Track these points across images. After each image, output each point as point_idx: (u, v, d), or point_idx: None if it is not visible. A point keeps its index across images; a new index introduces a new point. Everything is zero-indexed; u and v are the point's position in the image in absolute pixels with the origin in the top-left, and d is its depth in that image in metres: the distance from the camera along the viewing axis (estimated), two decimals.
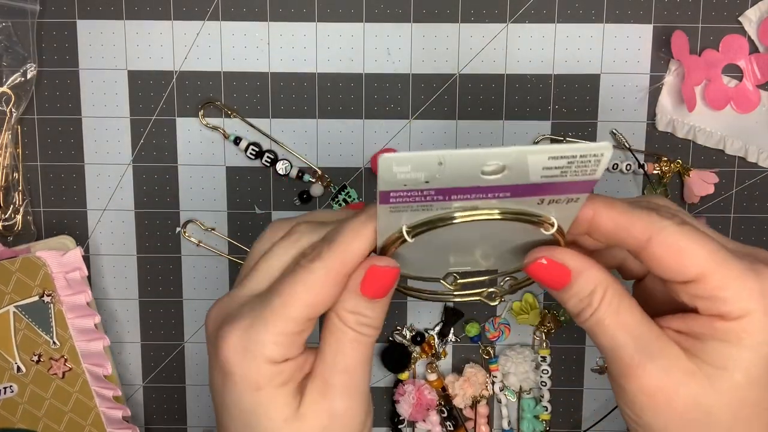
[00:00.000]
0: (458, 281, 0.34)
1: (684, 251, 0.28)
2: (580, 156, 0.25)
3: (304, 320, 0.29)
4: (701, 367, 0.29)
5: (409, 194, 0.26)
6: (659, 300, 0.32)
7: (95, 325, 0.50)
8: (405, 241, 0.28)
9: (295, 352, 0.30)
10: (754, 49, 0.49)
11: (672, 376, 0.29)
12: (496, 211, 0.27)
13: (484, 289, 0.33)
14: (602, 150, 0.25)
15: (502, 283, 0.34)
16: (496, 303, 0.33)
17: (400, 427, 0.53)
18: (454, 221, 0.27)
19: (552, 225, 0.28)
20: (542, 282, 0.30)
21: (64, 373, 0.50)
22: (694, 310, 0.29)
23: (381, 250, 0.30)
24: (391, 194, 0.26)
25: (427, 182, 0.25)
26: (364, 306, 0.30)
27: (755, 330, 0.28)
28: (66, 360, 0.50)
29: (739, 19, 0.49)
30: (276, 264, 0.31)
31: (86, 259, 0.52)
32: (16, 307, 0.49)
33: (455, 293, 0.34)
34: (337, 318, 0.30)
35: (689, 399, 0.28)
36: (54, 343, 0.49)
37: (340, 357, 0.30)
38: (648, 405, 0.29)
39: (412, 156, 0.24)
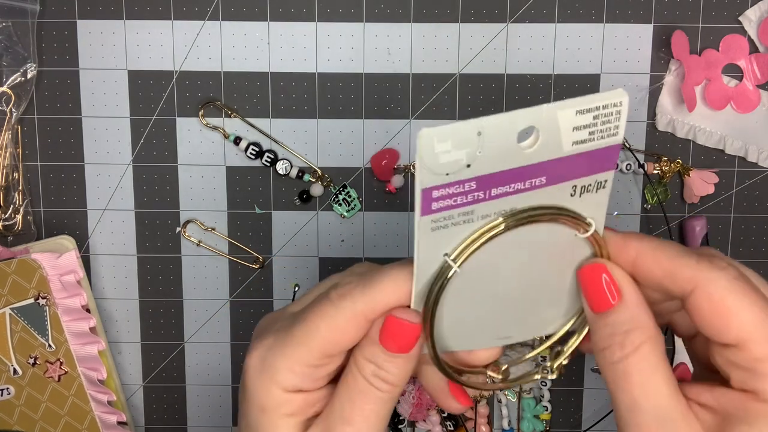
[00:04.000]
0: (503, 368, 0.31)
1: (730, 309, 0.25)
2: (603, 107, 0.25)
3: (322, 355, 0.28)
4: None
5: (451, 193, 0.25)
6: (704, 364, 0.29)
7: (90, 328, 0.50)
8: (452, 276, 0.26)
9: (310, 385, 0.28)
10: (754, 49, 0.49)
11: None
12: (539, 211, 0.26)
13: (536, 371, 0.31)
14: (620, 97, 0.25)
15: (548, 361, 0.31)
16: (554, 377, 0.31)
17: (400, 427, 0.53)
18: (499, 228, 0.26)
19: (589, 225, 0.27)
20: (587, 293, 0.28)
21: (59, 377, 0.50)
22: (727, 380, 0.26)
23: (426, 304, 0.27)
24: (434, 193, 0.25)
25: (468, 166, 0.24)
26: (383, 358, 0.28)
27: None
28: (62, 363, 0.50)
29: (739, 19, 0.49)
30: (318, 292, 0.30)
31: (86, 259, 0.52)
32: (11, 309, 0.49)
33: (505, 382, 0.31)
34: (354, 363, 0.28)
35: None
36: (49, 345, 0.49)
37: (348, 406, 0.28)
38: None
39: (451, 128, 0.23)
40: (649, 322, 0.27)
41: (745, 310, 0.24)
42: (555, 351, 0.31)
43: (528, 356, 0.32)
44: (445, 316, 0.28)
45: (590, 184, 0.27)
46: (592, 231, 0.27)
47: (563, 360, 0.31)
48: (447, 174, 0.24)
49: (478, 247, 0.26)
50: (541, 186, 0.26)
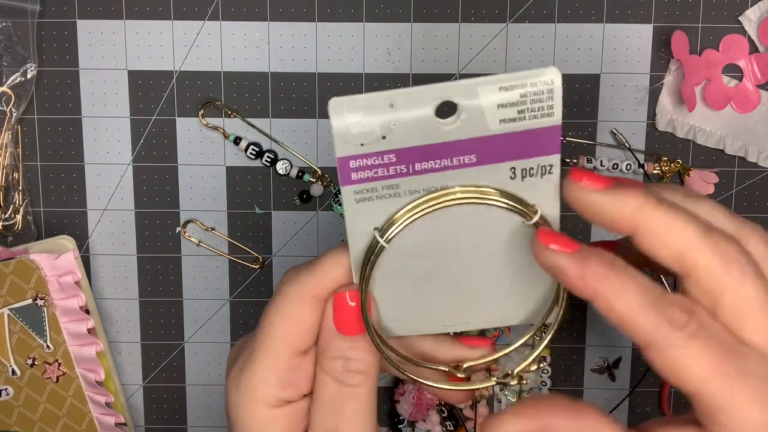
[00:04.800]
0: (463, 367, 0.29)
1: (684, 371, 0.23)
2: (531, 84, 0.24)
3: (290, 353, 0.27)
4: None
5: (370, 164, 0.25)
6: None
7: (88, 329, 0.50)
8: (380, 251, 0.26)
9: (292, 393, 0.27)
10: (754, 49, 0.49)
11: None
12: (470, 194, 0.26)
13: (493, 376, 0.29)
14: (551, 75, 0.24)
15: (514, 368, 0.30)
16: (515, 384, 0.30)
17: (400, 426, 0.53)
18: (427, 206, 0.26)
19: (534, 212, 0.26)
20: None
21: (58, 378, 0.50)
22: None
23: (359, 280, 0.27)
24: (351, 163, 0.25)
25: (384, 137, 0.24)
26: (346, 347, 0.27)
27: None
28: (60, 364, 0.50)
29: (739, 19, 0.49)
30: None
31: (86, 259, 0.52)
32: (10, 309, 0.49)
33: (463, 387, 0.29)
34: (321, 371, 0.27)
35: None
36: (48, 346, 0.49)
37: (330, 416, 0.27)
38: None
39: (363, 98, 0.24)
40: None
41: (700, 366, 0.23)
42: (518, 351, 0.30)
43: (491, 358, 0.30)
44: (385, 297, 0.28)
45: (532, 168, 0.26)
46: (537, 218, 0.26)
47: (527, 365, 0.30)
48: (362, 144, 0.24)
49: (406, 224, 0.26)
50: (472, 164, 0.25)
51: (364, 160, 0.25)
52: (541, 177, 0.26)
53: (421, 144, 0.25)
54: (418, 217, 0.26)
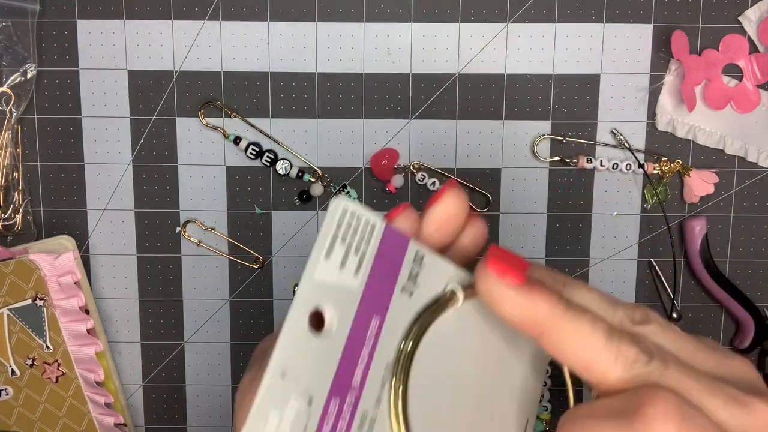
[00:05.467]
0: None
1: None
2: (336, 229, 0.23)
3: None
4: None
5: (336, 415, 0.22)
6: None
7: (88, 330, 0.50)
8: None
9: None
10: (754, 49, 0.49)
11: None
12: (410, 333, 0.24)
13: None
14: (337, 209, 0.23)
15: None
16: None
17: None
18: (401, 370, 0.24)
19: (454, 293, 0.25)
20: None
21: (57, 378, 0.50)
22: None
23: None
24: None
25: (309, 404, 0.22)
26: None
27: None
28: (59, 364, 0.50)
29: (739, 19, 0.49)
30: None
31: (86, 259, 0.52)
32: (9, 310, 0.49)
33: None
34: None
35: None
36: (47, 347, 0.49)
37: None
38: None
39: (256, 415, 0.21)
40: None
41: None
42: None
43: None
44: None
45: (411, 270, 0.25)
46: (460, 297, 0.25)
47: None
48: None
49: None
50: (382, 321, 0.24)
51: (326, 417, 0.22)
52: (423, 267, 0.25)
53: (331, 373, 0.22)
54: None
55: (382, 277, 0.24)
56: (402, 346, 0.24)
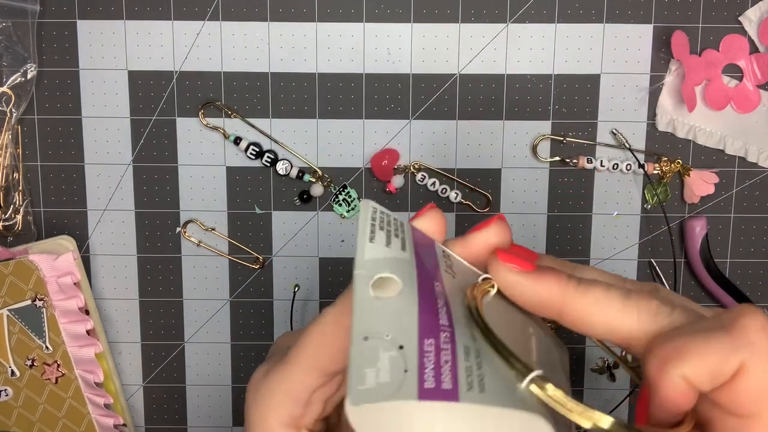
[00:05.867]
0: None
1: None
2: (382, 222, 0.25)
3: (317, 372, 0.27)
4: None
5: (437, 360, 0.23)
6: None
7: (87, 330, 0.50)
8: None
9: (302, 421, 0.27)
10: (754, 49, 0.49)
11: None
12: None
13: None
14: (367, 205, 0.26)
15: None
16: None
17: None
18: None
19: (489, 279, 0.26)
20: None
21: (57, 379, 0.50)
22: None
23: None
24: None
25: (406, 371, 0.22)
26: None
27: None
28: (59, 365, 0.50)
29: (739, 19, 0.49)
30: None
31: (86, 259, 0.52)
32: (9, 310, 0.49)
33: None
34: None
35: None
36: (47, 347, 0.49)
37: None
38: None
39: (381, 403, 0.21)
40: None
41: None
42: None
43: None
44: None
45: (444, 260, 0.26)
46: (495, 284, 0.26)
47: None
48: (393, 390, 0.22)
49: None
50: (442, 286, 0.25)
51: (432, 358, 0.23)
52: (450, 259, 0.27)
53: (414, 323, 0.23)
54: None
55: (426, 256, 0.25)
56: (471, 305, 0.25)
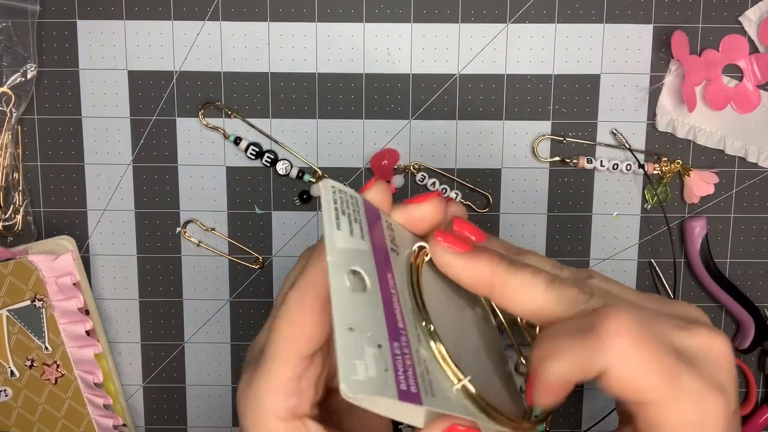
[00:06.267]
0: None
1: (632, 382, 0.24)
2: (342, 204, 0.26)
3: (296, 358, 0.27)
4: None
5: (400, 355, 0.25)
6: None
7: (87, 331, 0.50)
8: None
9: (298, 404, 0.27)
10: (754, 49, 0.49)
11: None
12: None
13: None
14: (324, 189, 0.26)
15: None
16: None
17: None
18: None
19: (423, 248, 0.28)
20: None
21: (56, 379, 0.50)
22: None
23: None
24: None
25: (379, 346, 0.24)
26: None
27: None
28: (58, 366, 0.50)
29: (739, 19, 0.49)
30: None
31: (86, 259, 0.52)
32: (8, 311, 0.49)
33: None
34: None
35: None
36: (46, 348, 0.49)
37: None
38: None
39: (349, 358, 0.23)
40: None
41: (648, 372, 0.24)
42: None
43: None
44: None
45: (389, 234, 0.28)
46: (428, 251, 0.28)
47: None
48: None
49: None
50: (393, 275, 0.26)
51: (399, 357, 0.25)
52: (393, 230, 0.28)
53: (382, 320, 0.25)
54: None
55: (377, 240, 0.27)
56: (415, 293, 0.27)
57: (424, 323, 0.26)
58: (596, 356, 0.24)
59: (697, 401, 0.24)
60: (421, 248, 0.28)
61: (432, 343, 0.25)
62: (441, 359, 0.25)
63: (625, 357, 0.24)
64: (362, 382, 0.22)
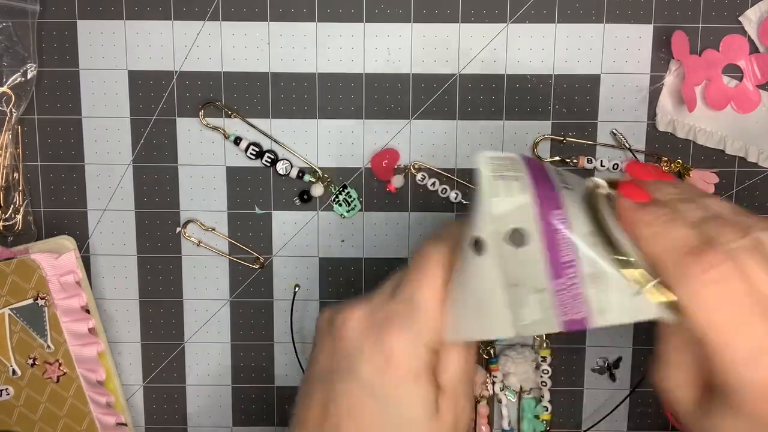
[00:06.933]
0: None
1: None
2: (498, 169, 0.30)
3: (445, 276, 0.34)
4: None
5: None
6: None
7: (89, 329, 0.50)
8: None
9: (440, 343, 0.34)
10: (754, 49, 0.49)
11: None
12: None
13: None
14: (479, 161, 0.30)
15: None
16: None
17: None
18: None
19: (597, 184, 0.31)
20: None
21: (58, 378, 0.50)
22: None
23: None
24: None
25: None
26: None
27: None
28: (60, 364, 0.50)
29: (739, 19, 0.49)
30: (395, 283, 0.36)
31: (86, 259, 0.52)
32: (11, 309, 0.49)
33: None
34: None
35: None
36: (48, 346, 0.49)
37: (465, 366, 0.35)
38: None
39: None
40: None
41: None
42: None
43: None
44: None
45: (558, 178, 0.31)
46: (604, 184, 0.31)
47: None
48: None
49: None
50: (565, 211, 0.30)
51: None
52: (561, 174, 0.32)
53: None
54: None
55: (542, 186, 0.30)
56: (603, 227, 0.30)
57: (616, 256, 0.29)
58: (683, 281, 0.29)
59: None
60: (596, 185, 0.31)
61: (625, 270, 0.29)
62: (638, 282, 0.29)
63: (703, 299, 0.28)
64: (529, 325, 0.29)
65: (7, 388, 0.50)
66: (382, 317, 0.34)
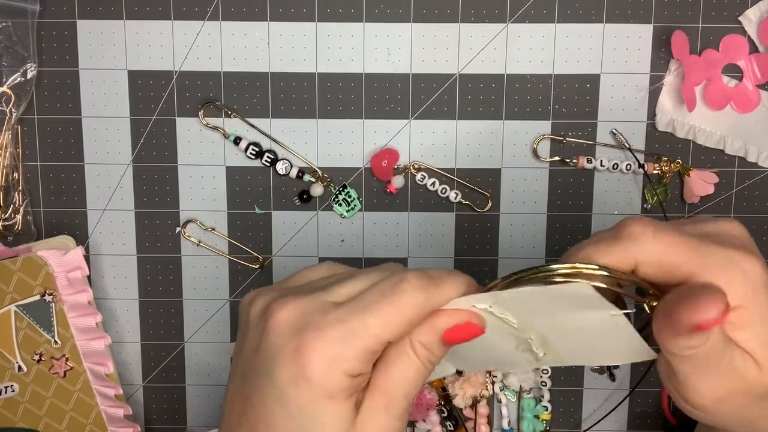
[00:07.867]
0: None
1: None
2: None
3: (385, 341, 0.31)
4: None
5: None
6: None
7: (96, 324, 0.50)
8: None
9: (368, 369, 0.31)
10: (754, 49, 0.49)
11: None
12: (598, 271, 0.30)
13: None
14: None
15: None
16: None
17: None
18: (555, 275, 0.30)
19: (656, 298, 0.31)
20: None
21: (65, 372, 0.50)
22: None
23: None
24: None
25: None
26: (438, 347, 0.32)
27: None
28: (67, 359, 0.50)
29: (739, 19, 0.49)
30: (363, 285, 0.32)
31: (86, 259, 0.52)
32: (17, 306, 0.49)
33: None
34: (410, 347, 0.32)
35: None
36: (55, 342, 0.49)
37: (406, 383, 0.32)
38: None
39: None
40: None
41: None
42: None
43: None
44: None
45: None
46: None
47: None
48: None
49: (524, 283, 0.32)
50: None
51: None
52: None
53: None
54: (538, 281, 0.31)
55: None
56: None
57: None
58: (626, 252, 0.30)
59: (729, 262, 0.29)
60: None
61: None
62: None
63: (649, 246, 0.30)
64: None
65: (12, 385, 0.50)
66: (315, 321, 0.31)
